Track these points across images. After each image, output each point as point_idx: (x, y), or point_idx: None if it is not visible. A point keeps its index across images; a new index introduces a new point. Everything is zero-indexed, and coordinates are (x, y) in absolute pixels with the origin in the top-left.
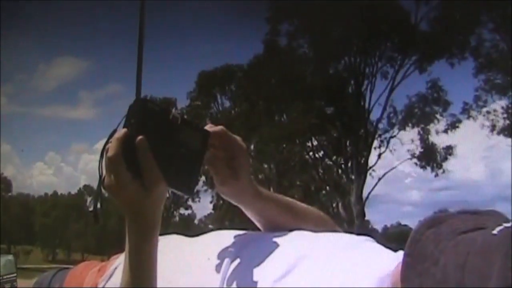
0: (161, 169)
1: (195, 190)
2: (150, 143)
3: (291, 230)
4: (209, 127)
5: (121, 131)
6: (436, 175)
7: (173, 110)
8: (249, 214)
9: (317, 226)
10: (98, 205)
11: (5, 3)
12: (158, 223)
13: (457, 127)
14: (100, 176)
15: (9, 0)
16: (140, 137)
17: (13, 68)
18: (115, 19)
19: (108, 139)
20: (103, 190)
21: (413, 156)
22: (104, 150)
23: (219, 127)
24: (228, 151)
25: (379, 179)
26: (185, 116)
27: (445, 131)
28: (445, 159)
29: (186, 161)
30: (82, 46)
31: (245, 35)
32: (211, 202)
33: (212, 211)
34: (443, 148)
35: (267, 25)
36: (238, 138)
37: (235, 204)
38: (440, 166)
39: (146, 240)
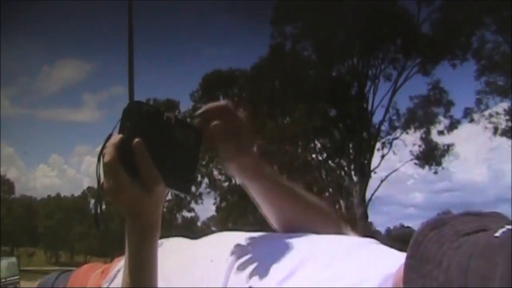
0: (159, 170)
1: (192, 189)
2: (147, 144)
3: (295, 232)
4: (213, 104)
5: (116, 137)
6: (436, 172)
7: (165, 112)
8: (253, 193)
9: (320, 217)
10: (99, 211)
11: (8, 5)
12: (158, 224)
13: (457, 125)
14: (99, 182)
15: (12, 2)
16: (137, 139)
17: (16, 71)
18: (119, 21)
19: (104, 144)
20: (103, 195)
21: (415, 157)
22: (100, 155)
23: (223, 102)
24: (231, 126)
25: (382, 181)
26: (188, 119)
27: (448, 133)
28: (444, 156)
29: (182, 161)
30: (86, 48)
31: (249, 38)
32: (214, 204)
33: (215, 213)
34: (446, 150)
35: (271, 28)
36: (242, 113)
37: (240, 181)
38: (440, 163)
39: (146, 240)
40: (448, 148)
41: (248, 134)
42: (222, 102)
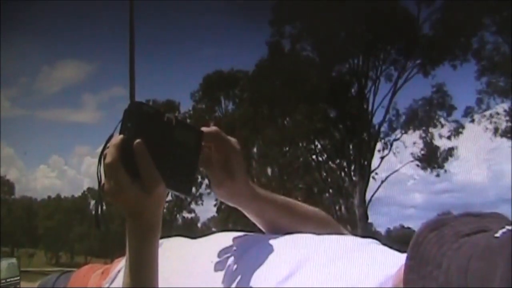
0: (159, 171)
1: (193, 191)
2: (147, 145)
3: (294, 233)
4: (204, 129)
5: (118, 138)
6: (438, 175)
7: (165, 113)
8: (248, 215)
9: (319, 227)
10: (100, 211)
11: (8, 5)
12: (159, 225)
13: (460, 129)
14: (100, 182)
15: (12, 2)
16: (137, 140)
17: (16, 71)
18: (119, 21)
19: (105, 145)
20: (103, 196)
21: (415, 158)
22: (101, 156)
23: (213, 128)
24: (222, 152)
25: (382, 181)
26: (188, 120)
27: (448, 134)
28: (447, 160)
29: (183, 162)
30: (86, 49)
31: (249, 38)
32: (214, 205)
33: (216, 214)
34: (446, 151)
35: (270, 28)
36: (232, 139)
37: (233, 205)
38: (442, 167)
39: (146, 241)
40: (450, 151)
41: (238, 160)
42: (212, 128)
